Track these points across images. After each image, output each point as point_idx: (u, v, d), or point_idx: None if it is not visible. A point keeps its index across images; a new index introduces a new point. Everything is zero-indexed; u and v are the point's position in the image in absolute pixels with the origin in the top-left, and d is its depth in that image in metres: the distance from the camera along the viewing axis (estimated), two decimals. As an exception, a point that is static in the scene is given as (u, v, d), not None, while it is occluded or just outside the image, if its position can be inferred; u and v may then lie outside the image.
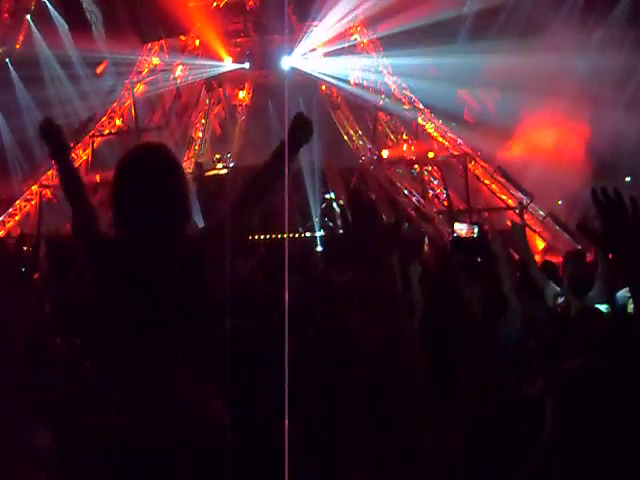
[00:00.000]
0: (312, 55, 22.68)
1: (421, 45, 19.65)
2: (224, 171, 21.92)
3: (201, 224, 4.37)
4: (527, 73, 17.25)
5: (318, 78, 22.85)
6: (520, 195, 20.67)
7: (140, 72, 24.07)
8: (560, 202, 20.23)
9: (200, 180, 20.89)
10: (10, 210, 22.55)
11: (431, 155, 22.34)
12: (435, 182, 22.48)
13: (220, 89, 24.86)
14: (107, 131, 23.83)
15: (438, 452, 1.85)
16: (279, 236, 17.28)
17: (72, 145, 22.51)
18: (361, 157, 22.96)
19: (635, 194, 2.19)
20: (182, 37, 24.29)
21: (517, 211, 20.59)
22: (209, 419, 2.86)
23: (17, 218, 22.51)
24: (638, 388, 1.60)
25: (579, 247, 14.42)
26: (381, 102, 22.92)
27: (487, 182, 21.71)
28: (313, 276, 6.58)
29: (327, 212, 20.54)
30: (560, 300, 5.55)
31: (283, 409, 2.33)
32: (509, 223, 13.38)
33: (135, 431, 2.79)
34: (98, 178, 19.40)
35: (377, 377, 1.93)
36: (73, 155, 22.42)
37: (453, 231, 18.09)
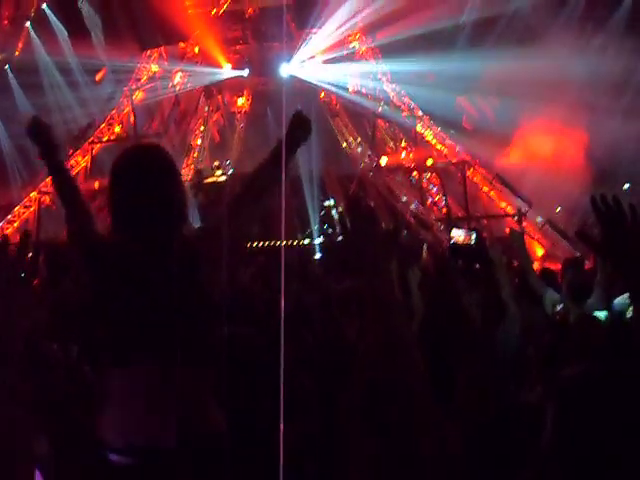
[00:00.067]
0: (311, 62, 22.71)
1: (420, 53, 19.68)
2: (223, 178, 21.92)
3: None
4: (525, 80, 17.28)
5: (317, 85, 22.88)
6: (519, 202, 20.67)
7: (139, 79, 24.10)
8: (559, 209, 20.24)
9: (199, 187, 20.89)
10: (9, 217, 22.54)
11: (430, 162, 22.36)
12: (434, 189, 22.49)
13: (219, 96, 24.89)
14: (106, 138, 23.84)
15: (436, 458, 1.85)
16: (277, 243, 17.28)
17: (71, 152, 22.56)
18: (360, 164, 22.97)
19: (634, 201, 2.19)
20: (181, 44, 24.32)
21: (516, 218, 20.58)
22: (208, 419, 2.86)
23: (16, 225, 22.49)
24: (636, 395, 1.61)
25: (578, 254, 14.43)
26: (380, 109, 22.94)
27: (486, 189, 21.73)
28: (311, 283, 6.58)
29: (326, 219, 20.53)
30: (559, 307, 5.55)
31: (280, 417, 2.33)
32: (508, 230, 13.39)
33: (135, 431, 2.79)
34: (97, 185, 19.39)
35: (375, 383, 1.93)
36: (72, 162, 22.46)
37: (451, 237, 18.08)
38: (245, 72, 23.64)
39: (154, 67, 24.24)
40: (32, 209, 22.59)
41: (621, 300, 4.81)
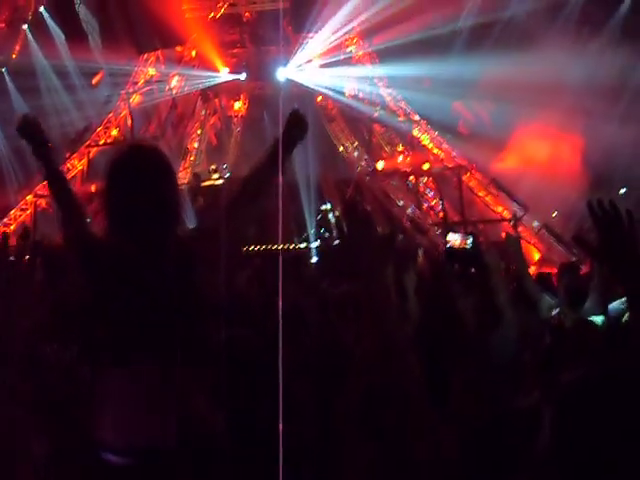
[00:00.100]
0: (308, 67, 22.73)
1: (416, 57, 19.71)
2: (220, 182, 21.91)
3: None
4: (522, 85, 17.31)
5: (313, 90, 22.88)
6: (515, 207, 20.69)
7: (136, 82, 24.08)
8: (555, 214, 20.26)
9: (196, 191, 20.88)
10: (5, 220, 22.49)
11: (426, 167, 22.36)
12: (430, 194, 22.49)
13: (216, 100, 24.88)
14: (103, 141, 23.80)
15: (431, 462, 1.85)
16: (274, 247, 17.26)
17: (67, 155, 22.53)
18: (356, 168, 22.98)
19: (630, 206, 2.20)
20: (178, 48, 24.30)
21: (512, 223, 20.60)
22: (207, 420, 2.86)
23: (12, 228, 22.45)
24: (635, 399, 1.61)
25: (574, 259, 14.45)
26: (376, 114, 22.95)
27: (482, 194, 21.74)
28: (307, 287, 6.57)
29: (323, 223, 20.52)
30: (554, 312, 5.56)
31: (278, 418, 2.33)
32: (504, 235, 13.41)
33: (134, 432, 2.79)
34: (94, 188, 19.35)
35: (371, 387, 1.93)
36: (69, 165, 22.43)
37: (447, 242, 18.10)
38: (242, 76, 23.64)
39: (151, 71, 24.21)
40: (28, 212, 22.55)
41: (617, 305, 4.82)
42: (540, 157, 19.20)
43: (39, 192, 21.93)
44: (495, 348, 3.65)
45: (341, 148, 23.49)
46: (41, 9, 23.28)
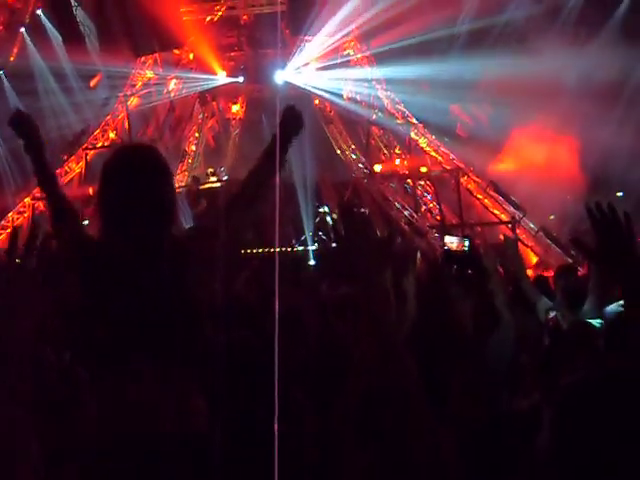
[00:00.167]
0: (305, 69, 22.74)
1: (414, 60, 19.73)
2: (217, 184, 21.92)
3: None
4: (520, 88, 17.33)
5: (311, 92, 22.89)
6: (512, 210, 20.72)
7: (134, 85, 24.08)
8: (552, 217, 20.29)
9: (197, 193, 20.91)
10: (2, 222, 22.46)
11: (424, 170, 22.38)
12: (428, 196, 22.51)
13: (214, 103, 24.89)
14: (100, 144, 23.78)
15: (430, 464, 1.85)
16: (272, 250, 17.25)
17: (65, 158, 22.52)
18: (354, 171, 22.99)
19: (627, 209, 2.21)
20: (176, 51, 24.30)
21: (509, 226, 20.62)
22: (206, 420, 2.86)
23: (9, 231, 22.41)
24: (635, 401, 1.61)
25: (570, 261, 14.47)
26: (374, 117, 22.97)
27: (480, 197, 21.76)
28: (306, 289, 6.58)
29: (321, 226, 20.53)
30: (552, 314, 5.57)
31: (274, 421, 2.33)
32: (502, 237, 13.42)
33: (133, 431, 2.79)
34: (91, 191, 19.34)
35: (370, 389, 1.93)
36: (66, 168, 22.42)
37: (444, 244, 18.11)
38: (240, 79, 23.65)
39: (149, 73, 24.21)
40: (26, 215, 22.52)
41: (614, 307, 4.83)
42: (537, 160, 19.21)
43: (37, 195, 21.90)
44: (493, 350, 3.66)
45: (339, 151, 23.50)
46: (38, 12, 23.28)
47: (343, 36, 22.18)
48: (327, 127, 23.67)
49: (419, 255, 5.92)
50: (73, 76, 22.43)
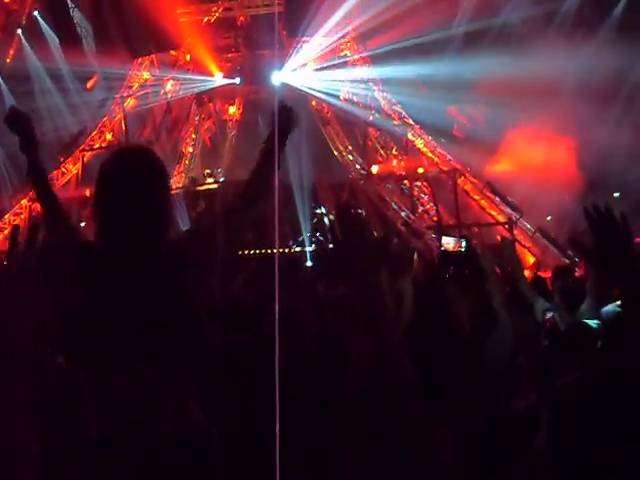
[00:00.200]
0: (302, 70, 22.75)
1: (411, 61, 19.75)
2: (214, 186, 21.92)
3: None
4: (516, 89, 17.35)
5: (308, 93, 22.90)
6: (509, 210, 20.73)
7: (130, 86, 24.08)
8: (549, 217, 20.30)
9: (196, 195, 20.91)
10: (-1, 224, 22.47)
11: (421, 171, 22.38)
12: (425, 197, 22.52)
13: (210, 104, 24.89)
14: (97, 145, 23.78)
15: (428, 465, 1.85)
16: (269, 251, 17.26)
17: (62, 159, 22.51)
18: (351, 172, 23.00)
19: (624, 210, 2.21)
20: (173, 52, 24.32)
21: (507, 226, 20.63)
22: (205, 420, 2.86)
23: (6, 232, 22.40)
24: (633, 401, 1.61)
25: (567, 262, 14.49)
26: (371, 118, 22.99)
27: (476, 197, 21.77)
28: (303, 290, 6.57)
29: (318, 227, 20.54)
30: (549, 315, 5.57)
31: (274, 420, 2.33)
32: (499, 238, 13.42)
33: (133, 431, 2.79)
34: (88, 192, 19.33)
35: (367, 390, 1.93)
36: (63, 169, 22.41)
37: (441, 245, 18.12)
38: (237, 80, 23.66)
39: (146, 74, 24.22)
40: (23, 216, 22.49)
41: (612, 307, 4.83)
42: (534, 160, 19.23)
43: (34, 196, 21.83)
44: (490, 351, 3.65)
45: (336, 152, 23.51)
46: (35, 13, 23.30)
47: (340, 37, 22.21)
48: (324, 128, 23.68)
49: (416, 256, 5.93)
50: (70, 77, 22.43)
